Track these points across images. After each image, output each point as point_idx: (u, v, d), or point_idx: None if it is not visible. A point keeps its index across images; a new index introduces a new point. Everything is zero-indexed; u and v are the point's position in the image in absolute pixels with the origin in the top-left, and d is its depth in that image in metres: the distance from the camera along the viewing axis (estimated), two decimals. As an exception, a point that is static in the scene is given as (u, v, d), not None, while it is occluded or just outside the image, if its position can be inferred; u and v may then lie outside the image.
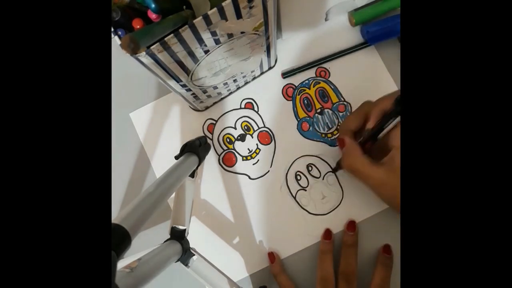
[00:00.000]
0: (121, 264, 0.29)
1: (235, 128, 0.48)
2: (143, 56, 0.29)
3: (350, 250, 0.42)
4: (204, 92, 0.42)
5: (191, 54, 0.32)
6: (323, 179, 0.46)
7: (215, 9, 0.28)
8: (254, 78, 0.48)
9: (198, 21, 0.28)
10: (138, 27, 0.29)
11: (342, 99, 0.47)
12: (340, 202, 0.45)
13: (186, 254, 0.37)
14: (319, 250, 0.43)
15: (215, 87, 0.42)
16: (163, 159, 0.48)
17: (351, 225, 0.43)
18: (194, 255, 0.38)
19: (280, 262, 0.44)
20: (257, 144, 0.47)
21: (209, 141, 0.47)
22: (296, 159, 0.46)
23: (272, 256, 0.44)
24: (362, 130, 0.39)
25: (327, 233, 0.43)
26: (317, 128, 0.47)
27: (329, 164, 0.46)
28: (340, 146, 0.42)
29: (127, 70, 0.48)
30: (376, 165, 0.37)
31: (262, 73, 0.48)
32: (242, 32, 0.33)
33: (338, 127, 0.47)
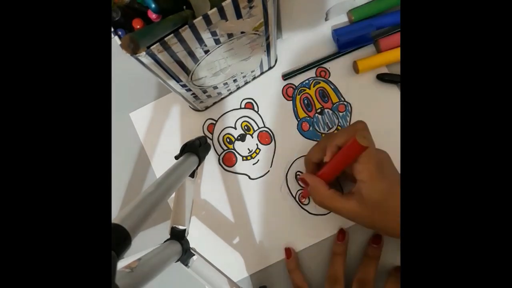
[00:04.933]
0: (121, 264, 0.29)
1: (235, 128, 0.48)
2: (143, 56, 0.29)
3: (371, 262, 0.41)
4: (204, 92, 0.42)
5: (191, 54, 0.32)
6: (323, 179, 0.46)
7: (215, 9, 0.28)
8: (254, 78, 0.48)
9: (198, 21, 0.28)
10: (138, 27, 0.29)
11: (342, 99, 0.47)
12: (340, 202, 0.45)
13: (186, 254, 0.37)
14: (331, 251, 0.43)
15: (215, 87, 0.42)
16: (163, 159, 0.48)
17: (377, 239, 0.42)
18: (194, 255, 0.38)
19: (297, 258, 0.44)
20: (257, 144, 0.47)
21: (209, 141, 0.47)
22: (296, 159, 0.46)
23: (288, 251, 0.43)
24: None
25: (341, 235, 0.43)
26: (317, 128, 0.47)
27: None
28: (304, 185, 0.42)
29: (127, 70, 0.48)
30: (345, 197, 0.37)
31: (262, 73, 0.48)
32: (242, 32, 0.33)
33: (339, 127, 0.47)
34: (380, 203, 0.35)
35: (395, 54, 0.46)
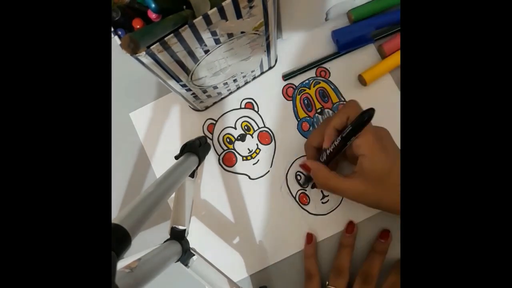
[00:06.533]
0: (121, 264, 0.29)
1: (235, 128, 0.48)
2: (143, 56, 0.29)
3: (377, 256, 0.41)
4: (204, 92, 0.42)
5: (191, 54, 0.32)
6: (323, 179, 0.46)
7: (215, 9, 0.28)
8: (254, 78, 0.48)
9: (198, 21, 0.28)
10: (138, 27, 0.29)
11: (343, 99, 0.47)
12: (340, 202, 0.45)
13: (186, 254, 0.37)
14: (339, 242, 0.43)
15: (215, 87, 0.42)
16: (163, 159, 0.48)
17: (385, 234, 0.42)
18: (194, 255, 0.38)
19: (315, 246, 0.44)
20: (257, 144, 0.47)
21: (209, 141, 0.47)
22: (296, 159, 0.46)
23: (310, 237, 0.43)
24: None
25: (350, 227, 0.43)
26: (317, 128, 0.47)
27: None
28: (306, 171, 0.42)
29: (127, 70, 0.48)
30: (348, 177, 0.37)
31: (262, 73, 0.48)
32: (242, 32, 0.33)
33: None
34: (383, 177, 0.35)
35: (399, 59, 0.46)
